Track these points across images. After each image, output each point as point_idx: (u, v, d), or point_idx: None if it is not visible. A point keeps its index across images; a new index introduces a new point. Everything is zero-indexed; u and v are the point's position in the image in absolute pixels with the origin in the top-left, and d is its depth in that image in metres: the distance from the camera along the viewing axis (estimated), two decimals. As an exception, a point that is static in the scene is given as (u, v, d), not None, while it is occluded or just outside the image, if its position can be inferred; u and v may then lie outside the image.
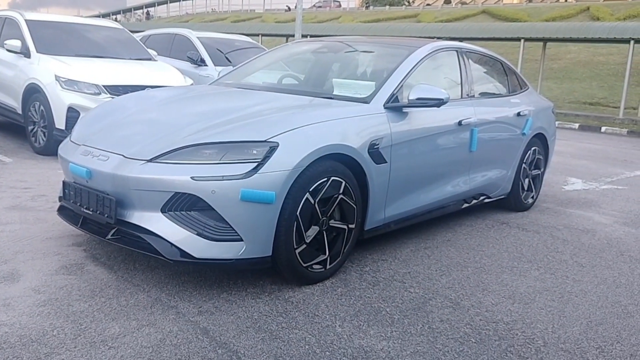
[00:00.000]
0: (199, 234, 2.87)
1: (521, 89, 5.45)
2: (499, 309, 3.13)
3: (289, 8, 57.32)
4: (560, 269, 3.87)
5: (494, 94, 5.06)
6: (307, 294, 3.15)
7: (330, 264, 3.32)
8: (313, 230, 3.18)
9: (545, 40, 19.51)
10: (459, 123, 4.23)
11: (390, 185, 3.67)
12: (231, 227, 2.88)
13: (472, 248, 4.18)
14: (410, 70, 3.97)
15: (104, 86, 6.38)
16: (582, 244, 4.50)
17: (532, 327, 2.94)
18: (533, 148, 5.36)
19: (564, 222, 5.16)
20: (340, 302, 3.06)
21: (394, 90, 3.76)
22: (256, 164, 2.90)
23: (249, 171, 2.87)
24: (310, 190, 3.08)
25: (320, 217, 3.20)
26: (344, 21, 41.76)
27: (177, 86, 4.84)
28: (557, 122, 15.79)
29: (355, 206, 3.40)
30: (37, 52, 6.89)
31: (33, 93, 6.69)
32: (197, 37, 9.35)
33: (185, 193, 2.86)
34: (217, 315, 2.82)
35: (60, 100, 6.31)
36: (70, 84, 6.35)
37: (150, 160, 2.96)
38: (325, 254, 3.27)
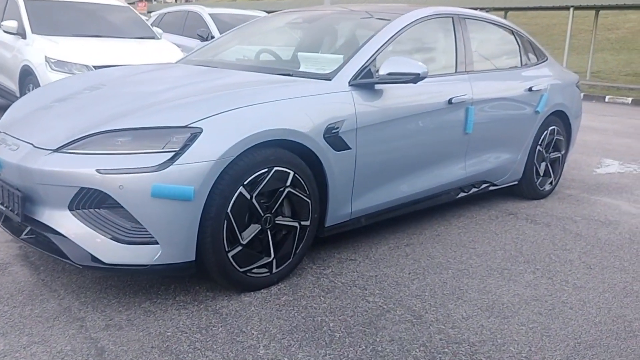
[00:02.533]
0: (109, 236, 2.48)
1: (538, 60, 4.80)
2: (468, 324, 2.62)
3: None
4: (562, 271, 3.30)
5: (501, 67, 4.44)
6: (245, 303, 2.72)
7: (277, 268, 2.88)
8: (252, 230, 2.74)
9: (597, 9, 18.14)
10: (449, 101, 3.67)
11: (357, 175, 3.18)
12: (144, 228, 2.47)
13: (463, 245, 3.64)
14: (388, 40, 3.43)
15: (94, 67, 6.08)
16: (597, 239, 3.89)
17: (502, 350, 2.43)
18: (551, 128, 4.72)
19: (583, 212, 4.53)
20: (279, 315, 2.62)
21: (364, 65, 3.25)
22: (173, 154, 2.47)
23: (163, 163, 2.44)
24: (245, 183, 2.64)
25: (263, 213, 2.76)
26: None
27: (136, 64, 4.46)
28: (607, 97, 14.88)
29: (309, 200, 2.94)
30: (32, 32, 6.66)
31: (27, 75, 6.47)
32: (209, 14, 8.96)
33: (92, 188, 2.47)
34: (125, 331, 2.43)
35: (49, 81, 6.04)
36: (60, 65, 6.09)
37: (56, 150, 2.58)
38: (270, 256, 2.83)
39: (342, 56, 3.39)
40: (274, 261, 2.85)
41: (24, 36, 6.71)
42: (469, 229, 3.96)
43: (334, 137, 2.99)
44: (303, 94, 2.97)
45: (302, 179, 2.88)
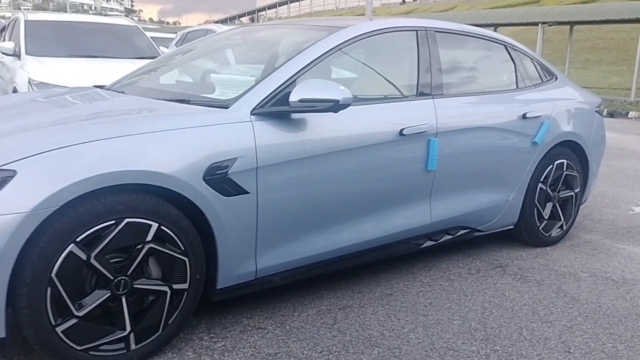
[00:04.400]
0: None
1: (542, 81, 4.01)
2: None
3: (404, 1, 55.78)
4: (527, 356, 2.53)
5: (485, 90, 3.69)
6: (82, 389, 2.16)
7: (138, 343, 2.31)
8: (98, 297, 2.19)
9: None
10: (401, 132, 2.99)
11: (261, 225, 2.57)
12: None
13: (414, 310, 2.93)
14: (314, 61, 2.80)
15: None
16: (597, 306, 3.07)
17: None
18: (558, 161, 3.90)
19: (595, 265, 3.68)
20: (110, 411, 2.04)
21: (276, 90, 2.64)
22: (-27, 203, 1.96)
23: (-43, 215, 1.94)
24: (79, 239, 2.09)
25: (113, 276, 2.20)
26: (461, 9, 39.44)
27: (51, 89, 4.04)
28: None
29: (185, 258, 2.36)
30: (26, 53, 6.47)
31: (17, 97, 6.27)
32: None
33: None
34: None
35: (30, 104, 5.79)
36: (41, 87, 5.81)
37: None
38: (125, 329, 2.26)
39: (254, 78, 2.80)
40: (132, 335, 2.28)
41: (19, 57, 6.55)
42: (433, 287, 3.23)
43: (220, 179, 2.39)
44: (181, 125, 2.39)
45: (172, 232, 2.30)
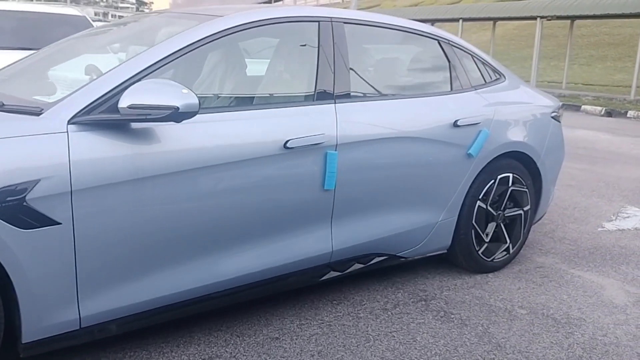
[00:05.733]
0: None
1: (486, 82, 3.45)
2: None
3: (410, -7, 54.97)
4: None
5: (406, 92, 3.15)
6: None
7: None
8: None
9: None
10: (286, 145, 2.46)
11: (81, 262, 2.05)
12: None
13: (294, 362, 2.41)
14: (167, 57, 2.27)
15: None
16: (525, 357, 2.53)
17: None
18: (502, 176, 3.36)
19: (539, 299, 3.14)
20: None
21: (107, 93, 2.11)
22: None
23: None
24: None
25: None
26: (467, 2, 38.59)
27: None
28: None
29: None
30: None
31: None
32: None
33: None
34: None
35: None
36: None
37: None
38: None
39: (89, 77, 2.28)
40: None
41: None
42: (332, 329, 2.70)
43: (14, 208, 1.87)
44: (-39, 140, 1.87)
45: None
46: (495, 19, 19.52)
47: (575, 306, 3.08)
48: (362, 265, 2.94)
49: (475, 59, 3.43)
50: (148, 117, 2.02)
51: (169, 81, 2.07)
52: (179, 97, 2.01)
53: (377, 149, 2.79)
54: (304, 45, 2.73)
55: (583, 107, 14.04)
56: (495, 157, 3.30)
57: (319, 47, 2.72)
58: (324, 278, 2.81)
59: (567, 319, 2.93)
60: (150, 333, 2.53)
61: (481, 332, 2.74)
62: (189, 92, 2.04)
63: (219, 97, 2.60)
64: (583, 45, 26.12)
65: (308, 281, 2.77)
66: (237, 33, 2.49)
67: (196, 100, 2.04)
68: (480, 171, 3.25)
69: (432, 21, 22.26)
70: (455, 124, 3.08)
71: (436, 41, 3.26)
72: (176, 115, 2.02)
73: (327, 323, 2.76)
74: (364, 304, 2.98)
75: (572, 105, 14.06)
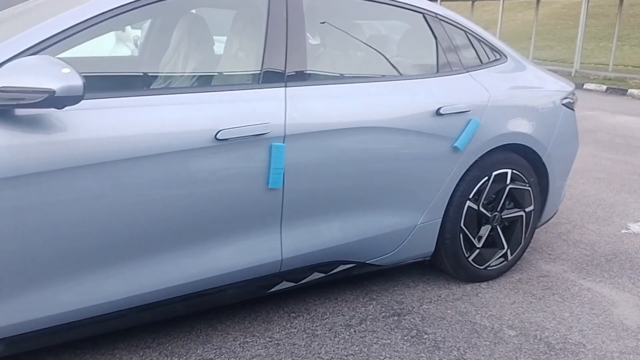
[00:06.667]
0: None
1: (482, 62, 2.98)
2: None
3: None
4: None
5: (382, 73, 2.70)
6: None
7: None
8: None
9: None
10: (217, 136, 2.08)
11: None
12: None
13: (220, 392, 2.06)
14: (67, 30, 1.91)
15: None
16: (498, 396, 2.11)
17: None
18: (498, 172, 2.90)
19: (535, 317, 2.69)
20: None
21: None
22: None
23: None
24: None
25: None
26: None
27: None
28: None
29: None
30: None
31: None
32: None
33: None
34: None
35: None
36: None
37: None
38: None
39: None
40: None
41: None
42: (279, 350, 2.33)
43: None
44: None
45: None
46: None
47: (576, 327, 2.62)
48: (323, 275, 2.54)
49: (469, 35, 2.96)
50: (22, 102, 1.67)
51: (52, 58, 1.71)
52: (58, 78, 1.66)
53: (338, 141, 2.37)
54: (249, 14, 2.33)
55: (630, 90, 13.11)
56: (489, 151, 2.84)
57: (268, 17, 2.31)
58: (274, 289, 2.43)
59: (564, 343, 2.48)
60: (66, 348, 2.21)
61: (455, 359, 2.33)
62: (72, 71, 1.68)
63: (136, 78, 2.23)
64: (635, 25, 24.64)
65: (254, 293, 2.40)
66: (163, 2, 2.11)
67: (80, 82, 1.68)
68: (471, 167, 2.80)
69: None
70: (437, 112, 2.63)
71: (420, 14, 2.80)
72: (53, 100, 1.66)
73: (276, 341, 2.39)
74: (326, 318, 2.59)
75: (617, 89, 13.16)
